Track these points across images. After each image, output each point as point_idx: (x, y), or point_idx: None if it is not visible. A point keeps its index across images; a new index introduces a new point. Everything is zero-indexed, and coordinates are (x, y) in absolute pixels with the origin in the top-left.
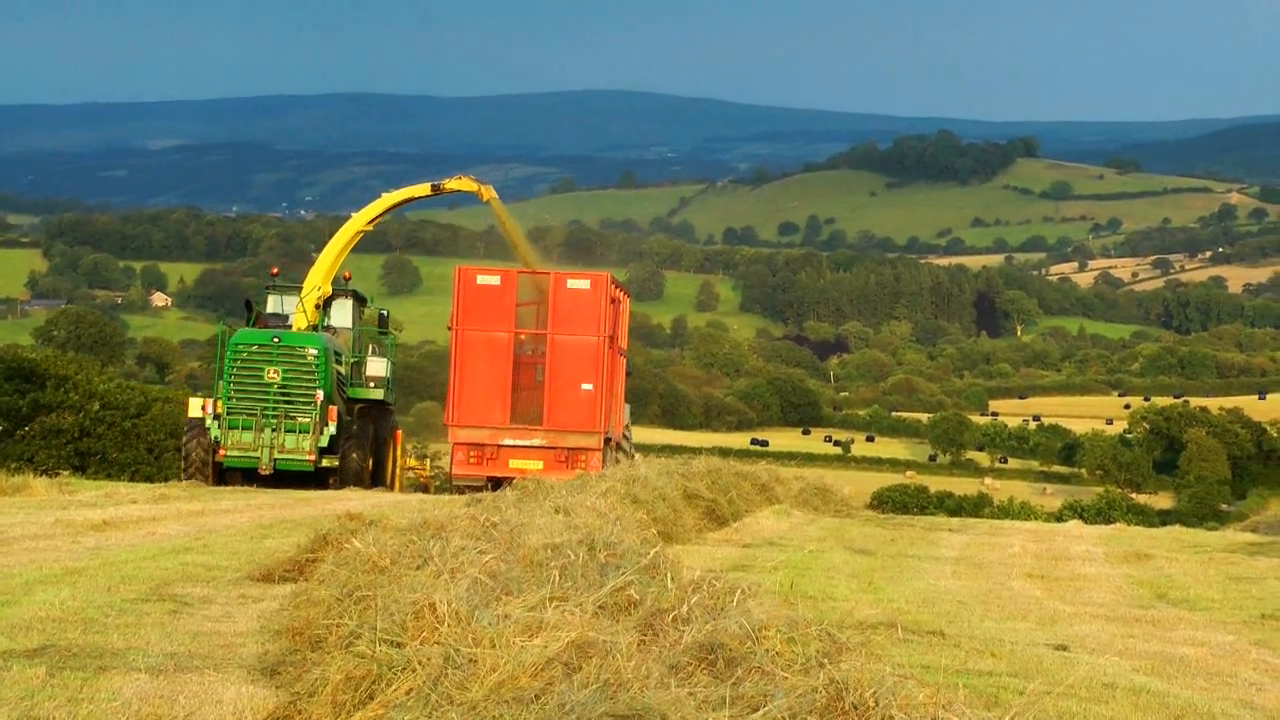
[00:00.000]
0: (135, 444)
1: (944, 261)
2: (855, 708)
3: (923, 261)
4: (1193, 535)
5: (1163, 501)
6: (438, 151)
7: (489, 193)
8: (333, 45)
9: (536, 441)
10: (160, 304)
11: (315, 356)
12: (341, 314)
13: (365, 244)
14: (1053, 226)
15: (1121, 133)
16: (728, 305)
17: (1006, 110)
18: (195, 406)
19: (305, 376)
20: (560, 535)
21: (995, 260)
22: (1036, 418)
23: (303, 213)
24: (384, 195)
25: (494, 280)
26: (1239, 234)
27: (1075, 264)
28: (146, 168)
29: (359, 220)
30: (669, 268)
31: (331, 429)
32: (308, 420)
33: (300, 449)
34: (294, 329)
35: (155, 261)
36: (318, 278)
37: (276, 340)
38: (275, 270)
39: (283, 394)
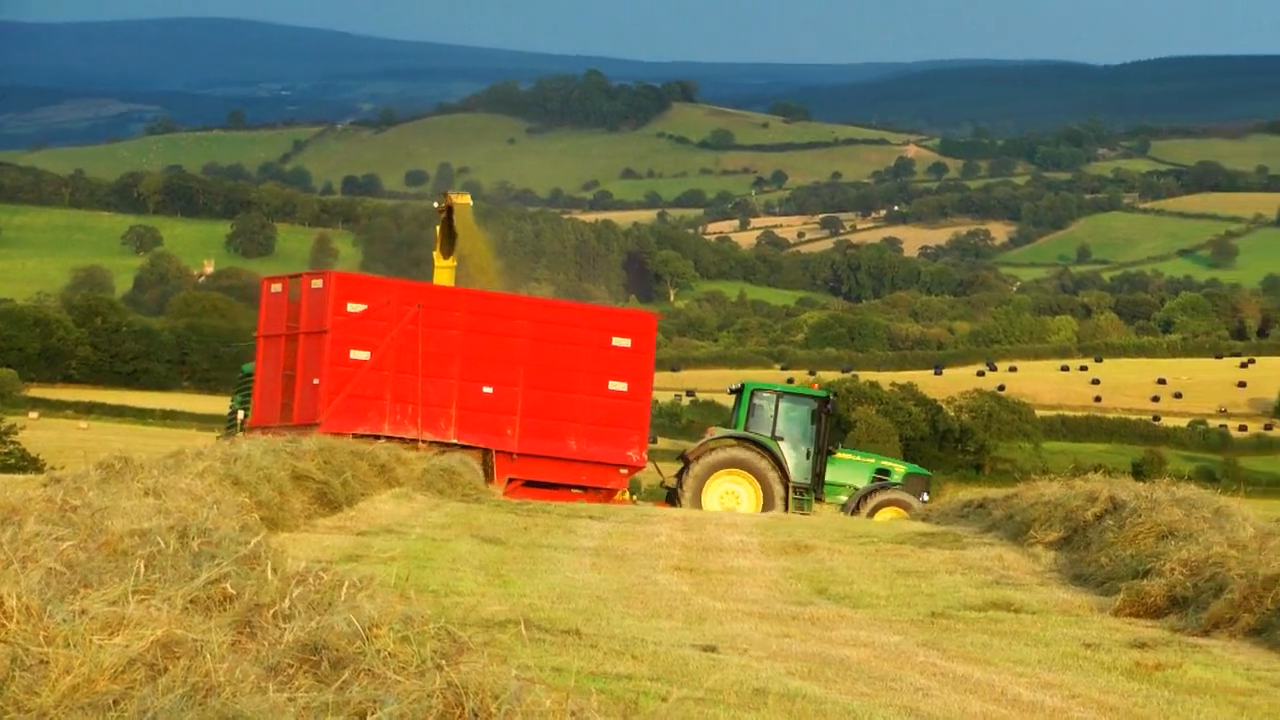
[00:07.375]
0: None
1: (590, 217)
2: (475, 714)
3: (566, 217)
4: (858, 524)
5: None
6: (21, 84)
7: (462, 198)
8: None
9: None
10: None
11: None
12: None
13: None
14: (712, 179)
15: (790, 76)
16: (348, 263)
17: (662, 49)
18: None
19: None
20: (149, 520)
21: (648, 216)
22: (690, 393)
23: None
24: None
25: (278, 288)
26: (916, 191)
27: (736, 222)
28: None
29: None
30: (281, 220)
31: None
32: None
33: None
34: None
35: None
36: None
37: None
38: None
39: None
